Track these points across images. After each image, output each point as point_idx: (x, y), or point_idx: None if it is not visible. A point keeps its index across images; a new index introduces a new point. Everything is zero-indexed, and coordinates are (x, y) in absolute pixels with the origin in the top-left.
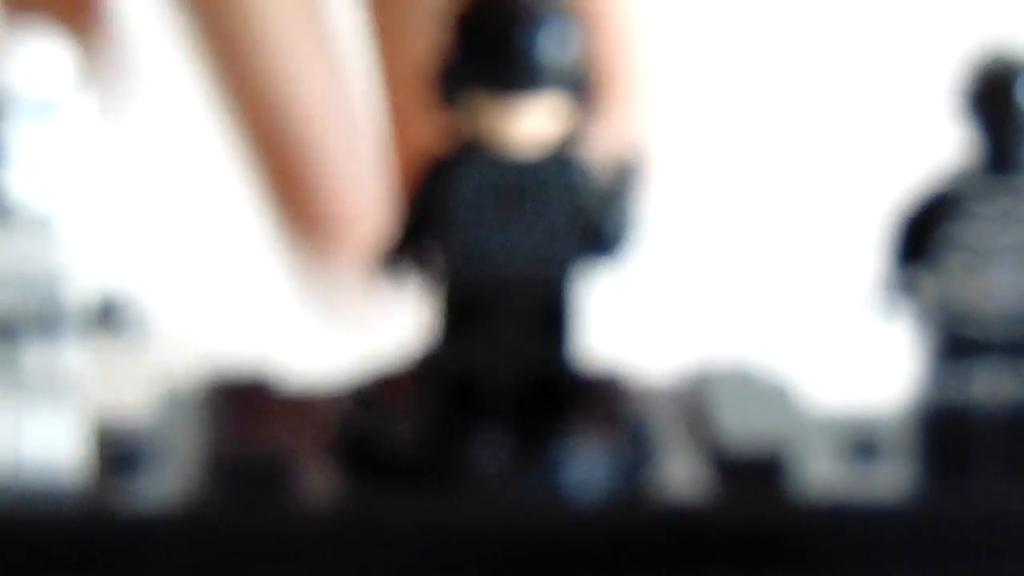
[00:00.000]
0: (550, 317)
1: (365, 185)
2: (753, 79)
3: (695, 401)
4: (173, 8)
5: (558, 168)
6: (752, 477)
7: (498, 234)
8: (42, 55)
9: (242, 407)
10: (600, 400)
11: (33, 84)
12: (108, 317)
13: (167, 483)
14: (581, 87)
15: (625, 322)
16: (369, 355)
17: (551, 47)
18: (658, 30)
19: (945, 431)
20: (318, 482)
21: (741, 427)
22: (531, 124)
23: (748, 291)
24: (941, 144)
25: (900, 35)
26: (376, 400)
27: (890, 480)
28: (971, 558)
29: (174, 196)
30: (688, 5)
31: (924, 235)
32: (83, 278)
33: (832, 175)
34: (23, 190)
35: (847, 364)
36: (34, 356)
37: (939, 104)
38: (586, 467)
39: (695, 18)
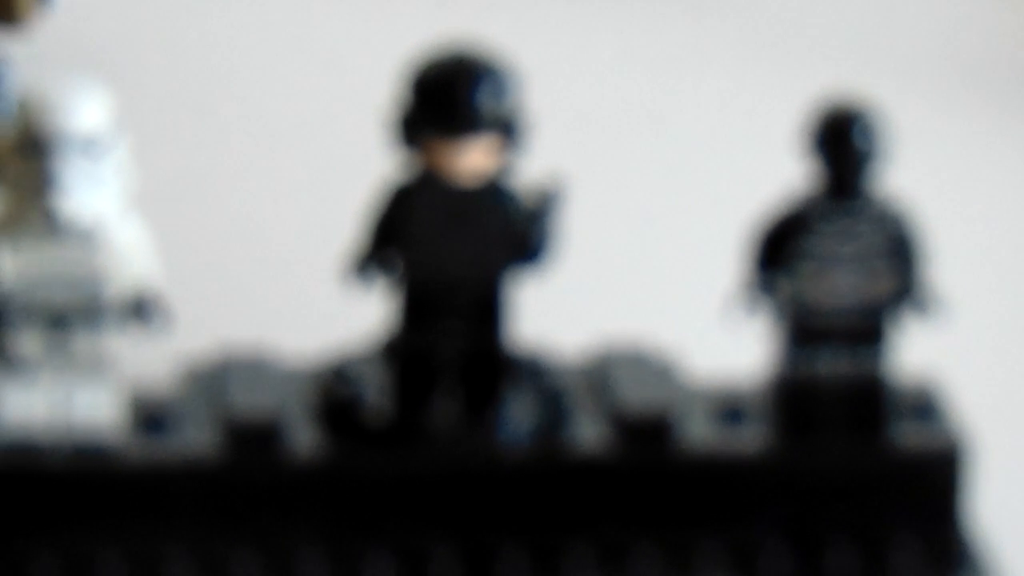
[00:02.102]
0: (487, 309)
1: None
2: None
3: (599, 374)
4: None
5: (493, 194)
6: (644, 434)
7: (446, 245)
8: (86, 99)
9: (247, 380)
10: (526, 373)
11: (79, 124)
12: (140, 310)
13: (186, 441)
14: (513, 129)
15: (545, 313)
16: (345, 339)
17: (488, 98)
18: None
19: (796, 400)
20: (306, 440)
21: (636, 395)
22: (472, 160)
23: (643, 290)
24: (790, 174)
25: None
26: (352, 374)
27: (753, 437)
28: (818, 499)
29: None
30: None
31: (779, 246)
32: (120, 279)
33: (703, 198)
34: (71, 210)
35: (720, 346)
36: (81, 341)
37: (788, 142)
38: (516, 425)
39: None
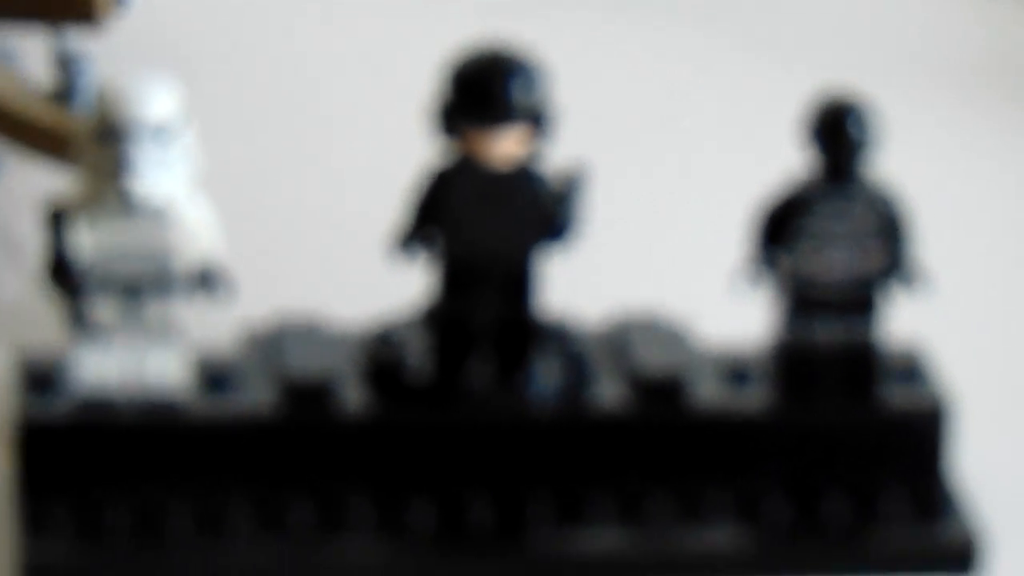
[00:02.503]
0: (518, 281)
1: None
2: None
3: (619, 340)
4: None
5: (524, 178)
6: (658, 394)
7: (481, 224)
8: (157, 90)
9: (301, 344)
10: (552, 339)
11: (151, 113)
12: (205, 281)
13: (246, 399)
14: (542, 119)
15: (570, 284)
16: (390, 308)
17: (520, 91)
18: None
19: (795, 363)
20: (354, 398)
21: (651, 358)
22: (505, 147)
23: (658, 264)
24: (791, 161)
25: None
26: (396, 339)
27: (757, 397)
28: (814, 453)
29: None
30: None
31: (781, 226)
32: (187, 253)
33: (713, 182)
34: (143, 191)
35: (727, 315)
36: (152, 309)
37: (789, 132)
38: (543, 385)
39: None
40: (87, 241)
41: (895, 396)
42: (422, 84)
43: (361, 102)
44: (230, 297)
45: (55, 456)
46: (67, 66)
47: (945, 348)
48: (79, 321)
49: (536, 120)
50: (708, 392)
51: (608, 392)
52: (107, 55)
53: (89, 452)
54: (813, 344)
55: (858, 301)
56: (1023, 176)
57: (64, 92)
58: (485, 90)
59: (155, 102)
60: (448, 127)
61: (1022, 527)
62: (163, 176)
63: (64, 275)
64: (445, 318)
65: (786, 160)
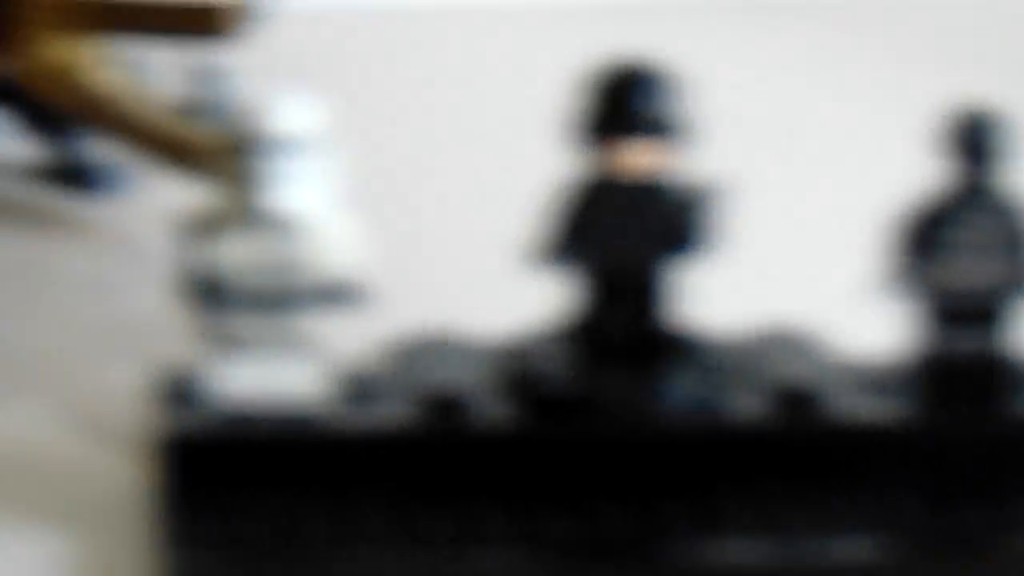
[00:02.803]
0: (655, 294)
1: None
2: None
3: (755, 351)
4: None
5: (659, 191)
6: (796, 406)
7: (620, 236)
8: (297, 106)
9: (441, 356)
10: (689, 351)
11: (291, 129)
12: (345, 294)
13: (386, 411)
14: (678, 131)
15: (708, 296)
16: (525, 321)
17: (657, 104)
18: None
19: (933, 374)
20: (492, 410)
21: (788, 369)
22: (640, 159)
23: (794, 275)
24: (921, 171)
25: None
26: (533, 352)
27: (895, 408)
28: (952, 463)
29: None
30: None
31: (923, 236)
32: (327, 267)
33: (846, 193)
34: (284, 206)
35: (868, 325)
36: (292, 322)
37: (925, 141)
38: (680, 395)
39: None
40: (226, 255)
41: None
42: (558, 98)
43: (498, 115)
44: (368, 310)
45: (199, 468)
46: (203, 81)
47: None
48: (219, 335)
49: (671, 132)
50: (845, 403)
51: (745, 404)
52: (247, 70)
53: (232, 464)
54: (953, 354)
55: (996, 310)
56: None
57: (199, 107)
58: (621, 102)
59: (295, 117)
60: (587, 139)
61: None
62: (302, 191)
63: (203, 289)
64: (582, 331)
65: (921, 170)
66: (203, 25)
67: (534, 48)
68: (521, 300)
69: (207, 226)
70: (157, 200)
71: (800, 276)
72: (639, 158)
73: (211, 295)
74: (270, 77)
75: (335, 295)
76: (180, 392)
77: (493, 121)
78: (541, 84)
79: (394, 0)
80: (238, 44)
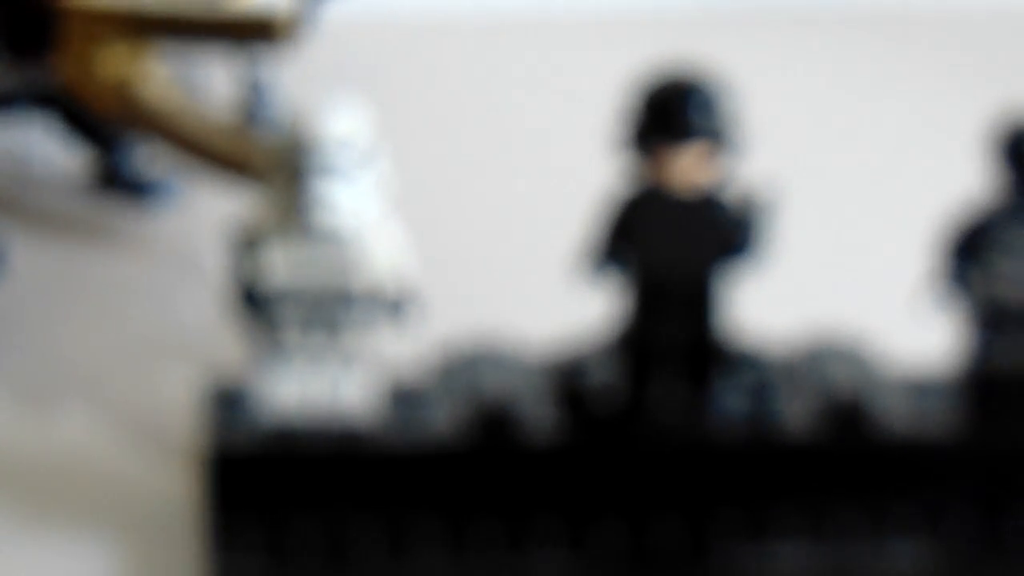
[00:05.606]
0: (706, 303)
1: None
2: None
3: (806, 360)
4: None
5: (710, 200)
6: (845, 415)
7: (668, 247)
8: (346, 116)
9: (491, 367)
10: (739, 361)
11: (340, 138)
12: (394, 305)
13: (436, 422)
14: (727, 140)
15: (758, 306)
16: (575, 331)
17: (706, 112)
18: None
19: (985, 384)
20: (543, 421)
21: (839, 379)
22: (691, 168)
23: (849, 286)
24: (971, 180)
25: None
26: (583, 362)
27: (946, 419)
28: (1002, 474)
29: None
30: None
31: (972, 245)
32: (377, 277)
33: (896, 202)
34: (333, 216)
35: (916, 335)
36: (341, 332)
37: (974, 149)
38: (731, 405)
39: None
40: (277, 266)
41: None
42: (608, 108)
43: (545, 127)
44: (419, 321)
45: (247, 479)
46: (253, 91)
47: None
48: (269, 345)
49: (720, 140)
50: (895, 413)
51: (795, 414)
52: (296, 80)
53: (281, 475)
54: (1002, 364)
55: None
56: None
57: (249, 117)
58: (670, 110)
59: (344, 127)
60: (637, 148)
61: None
62: (352, 202)
63: (254, 300)
64: (632, 342)
65: (970, 178)
66: (254, 30)
67: (580, 60)
68: (569, 311)
69: (257, 236)
70: (208, 211)
71: (849, 286)
72: (689, 167)
73: (260, 306)
74: (315, 88)
75: (387, 306)
76: (228, 403)
77: (541, 133)
78: (588, 95)
79: (437, 14)
80: (287, 55)
